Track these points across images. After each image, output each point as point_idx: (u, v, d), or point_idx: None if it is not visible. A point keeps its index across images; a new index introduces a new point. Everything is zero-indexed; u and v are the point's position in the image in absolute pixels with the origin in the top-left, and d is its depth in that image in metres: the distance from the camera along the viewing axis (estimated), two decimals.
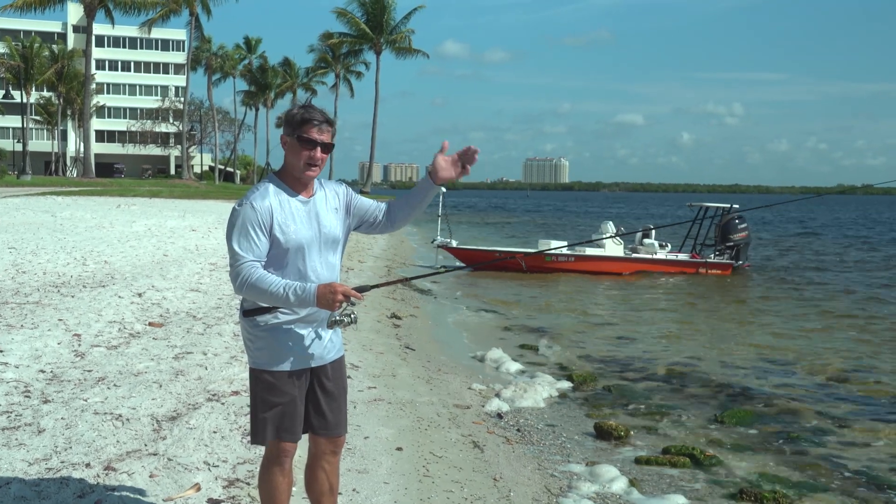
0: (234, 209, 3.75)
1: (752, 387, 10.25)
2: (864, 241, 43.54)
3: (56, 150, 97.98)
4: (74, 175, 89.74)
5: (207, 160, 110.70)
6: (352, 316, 3.71)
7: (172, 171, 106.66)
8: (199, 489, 5.07)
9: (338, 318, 3.69)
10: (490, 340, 12.82)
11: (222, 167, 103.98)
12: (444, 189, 25.68)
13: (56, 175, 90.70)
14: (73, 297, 11.65)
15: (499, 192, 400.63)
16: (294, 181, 3.81)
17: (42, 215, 27.04)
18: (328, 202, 3.90)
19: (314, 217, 3.82)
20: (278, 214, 3.71)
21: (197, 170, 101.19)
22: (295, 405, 3.86)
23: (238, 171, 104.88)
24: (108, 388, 7.12)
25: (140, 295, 12.15)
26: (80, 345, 8.73)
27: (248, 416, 4.21)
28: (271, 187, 3.78)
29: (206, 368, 8.08)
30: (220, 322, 10.59)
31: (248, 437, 4.15)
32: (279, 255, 3.73)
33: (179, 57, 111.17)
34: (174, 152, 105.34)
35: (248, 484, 5.25)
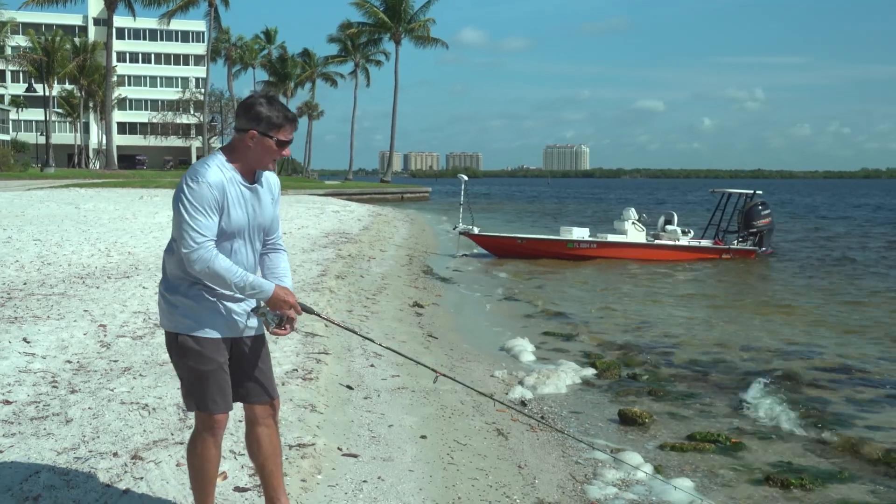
0: (186, 185, 3.72)
1: (774, 374, 10.16)
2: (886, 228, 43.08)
3: (79, 142, 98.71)
4: (97, 167, 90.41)
5: None
6: (282, 319, 3.94)
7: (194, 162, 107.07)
8: (225, 477, 5.09)
9: (268, 314, 3.92)
10: (513, 328, 12.81)
11: None
12: (465, 178, 25.71)
13: (79, 167, 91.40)
14: (98, 287, 11.74)
15: (519, 178, 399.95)
16: (245, 167, 3.86)
17: (66, 207, 27.26)
18: (267, 192, 3.99)
19: (254, 204, 3.90)
20: (227, 196, 3.77)
21: None
22: (223, 373, 3.91)
23: None
24: (135, 377, 7.17)
25: None
26: (105, 335, 8.80)
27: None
28: (223, 167, 3.81)
29: None
30: None
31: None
32: (219, 236, 3.79)
33: (199, 48, 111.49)
34: (195, 143, 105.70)
35: None
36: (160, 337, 8.89)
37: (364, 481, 5.49)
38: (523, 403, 8.37)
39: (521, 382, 9.20)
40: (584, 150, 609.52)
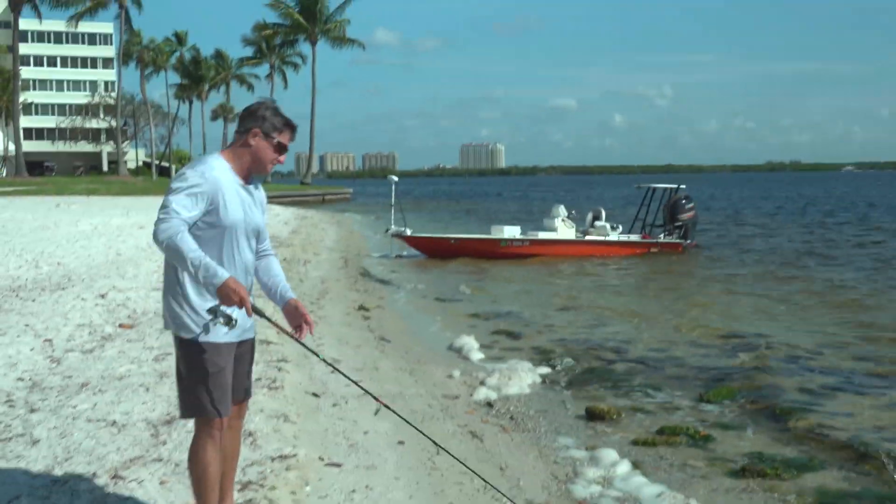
0: (185, 171, 3.87)
1: (727, 365, 10.38)
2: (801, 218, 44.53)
3: None
4: (4, 174, 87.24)
5: (141, 155, 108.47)
6: (231, 320, 3.85)
7: (105, 168, 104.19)
8: None
9: (220, 312, 3.83)
10: (461, 328, 12.77)
11: (156, 162, 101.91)
12: (395, 178, 25.59)
13: None
14: (33, 300, 11.29)
15: (436, 178, 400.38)
16: (241, 168, 4.01)
17: None
18: (257, 197, 4.12)
19: (247, 204, 4.02)
20: (224, 192, 3.88)
21: (131, 165, 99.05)
22: (227, 377, 4.00)
23: (173, 166, 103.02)
24: (94, 393, 6.91)
25: (103, 296, 11.83)
26: (53, 350, 8.46)
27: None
28: (223, 165, 3.95)
29: None
30: None
31: (184, 419, 4.19)
32: (216, 230, 3.89)
33: (107, 51, 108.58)
34: (106, 148, 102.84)
35: (262, 486, 5.12)
36: (110, 350, 8.60)
37: (353, 491, 5.40)
38: (490, 405, 8.34)
39: (482, 383, 9.17)
40: (499, 148, 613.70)
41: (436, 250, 24.60)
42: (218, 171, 3.89)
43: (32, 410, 6.38)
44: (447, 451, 5.10)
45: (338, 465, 5.85)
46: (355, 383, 5.05)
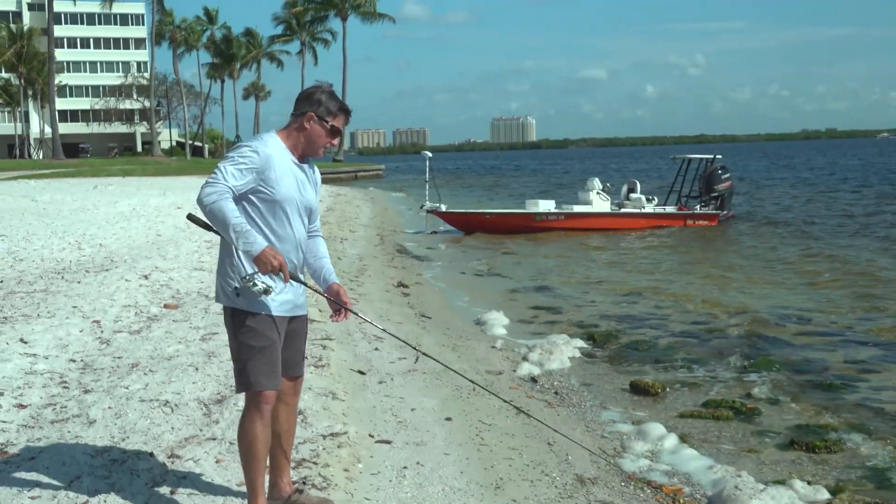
0: (238, 145, 4.01)
1: (770, 337, 10.31)
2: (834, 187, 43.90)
3: (19, 132, 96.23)
4: (41, 157, 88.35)
5: (174, 135, 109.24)
6: (268, 288, 3.90)
7: (139, 149, 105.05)
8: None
9: (256, 278, 3.88)
10: (500, 304, 12.78)
11: (190, 142, 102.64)
12: (430, 154, 25.59)
13: (22, 158, 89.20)
14: (79, 282, 11.46)
15: (467, 153, 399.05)
16: (295, 148, 4.08)
17: (22, 200, 26.59)
18: (311, 176, 4.19)
19: (301, 181, 4.09)
20: (277, 167, 3.95)
21: (165, 146, 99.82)
22: (277, 351, 4.04)
23: (206, 146, 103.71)
24: (145, 373, 7.01)
25: (146, 277, 11.98)
26: (102, 331, 8.59)
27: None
28: (278, 142, 4.03)
29: None
30: None
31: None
32: (268, 204, 3.97)
33: (140, 31, 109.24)
34: (140, 129, 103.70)
35: (315, 464, 5.19)
36: (157, 331, 8.72)
37: (404, 467, 5.45)
38: (534, 380, 8.36)
39: (525, 358, 9.19)
40: (530, 121, 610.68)
41: (471, 225, 24.60)
42: (272, 148, 3.97)
43: (86, 391, 6.50)
44: (480, 386, 5.12)
45: (388, 443, 5.91)
46: (391, 334, 5.06)
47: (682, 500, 5.43)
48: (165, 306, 10.04)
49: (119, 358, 7.56)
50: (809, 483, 5.56)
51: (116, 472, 4.87)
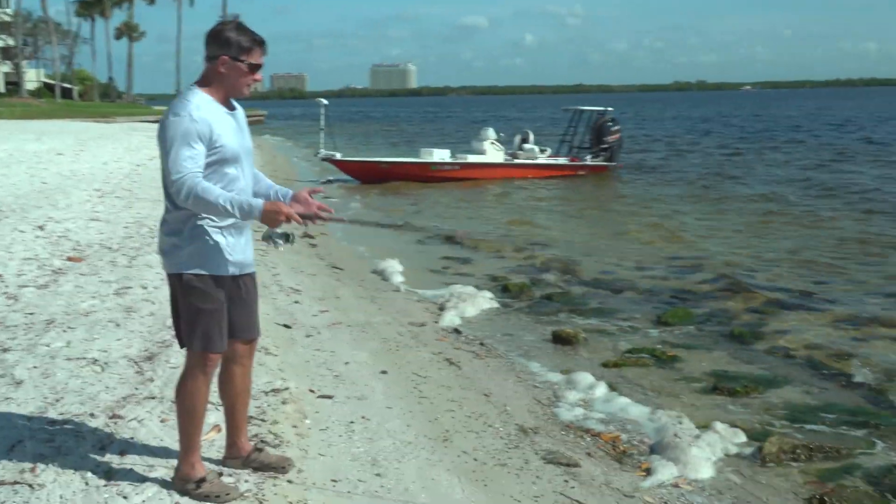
0: (170, 119, 3.76)
1: (677, 286, 10.69)
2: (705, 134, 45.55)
3: None
4: None
5: (41, 76, 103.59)
6: (290, 237, 3.91)
7: (2, 90, 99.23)
8: (220, 430, 4.90)
9: (275, 236, 3.87)
10: (408, 255, 12.77)
11: (58, 83, 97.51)
12: (325, 102, 25.17)
13: None
14: None
15: (346, 98, 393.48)
16: (222, 96, 3.90)
17: None
18: (239, 119, 4.03)
19: (238, 129, 3.95)
20: (215, 126, 3.79)
21: (31, 87, 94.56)
22: (223, 312, 3.98)
23: (76, 88, 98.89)
24: (64, 331, 6.74)
25: (41, 228, 11.45)
26: (6, 287, 8.19)
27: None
28: (205, 98, 3.83)
29: (154, 303, 7.72)
30: (140, 253, 10.12)
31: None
32: (221, 164, 3.82)
33: None
34: (3, 69, 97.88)
35: (263, 420, 5.13)
36: (66, 285, 8.37)
37: (351, 422, 5.45)
38: (457, 331, 8.43)
39: (443, 309, 9.25)
40: (410, 68, 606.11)
41: (367, 174, 24.41)
42: (204, 109, 3.77)
43: (5, 350, 6.20)
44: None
45: (329, 397, 5.89)
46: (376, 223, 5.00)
47: (621, 447, 5.61)
48: (69, 259, 9.63)
49: (31, 314, 7.23)
50: (739, 427, 5.83)
51: (60, 434, 4.68)
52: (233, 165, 3.88)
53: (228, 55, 3.82)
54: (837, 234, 14.44)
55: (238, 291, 4.07)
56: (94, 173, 18.84)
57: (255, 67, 3.90)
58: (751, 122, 63.08)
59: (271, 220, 3.75)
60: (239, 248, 3.98)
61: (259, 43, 3.89)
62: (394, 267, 11.40)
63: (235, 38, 3.83)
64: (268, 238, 3.91)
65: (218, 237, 3.88)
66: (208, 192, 3.67)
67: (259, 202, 3.73)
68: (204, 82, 3.89)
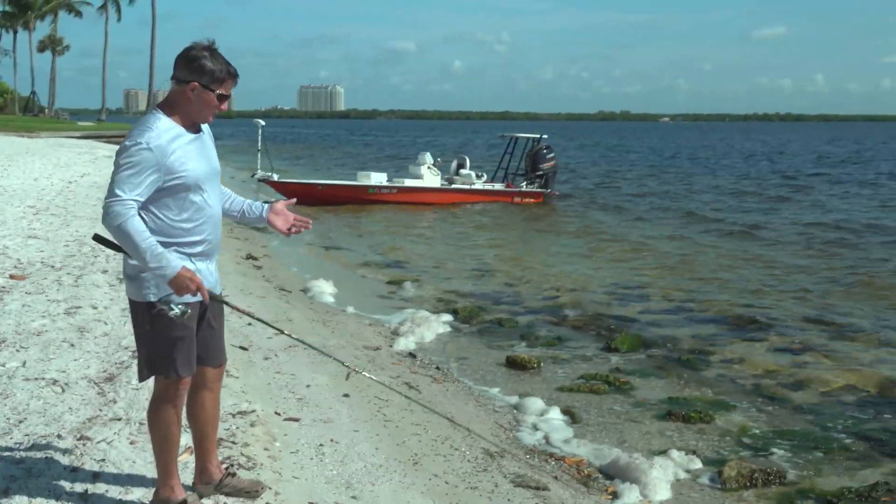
0: (126, 145, 3.66)
1: (623, 314, 10.91)
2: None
3: None
4: None
5: None
6: (185, 312, 3.77)
7: None
8: (192, 452, 4.86)
9: (173, 303, 3.74)
10: (354, 279, 12.80)
11: None
12: (262, 122, 25.03)
13: None
14: None
15: (273, 119, 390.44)
16: (186, 120, 3.80)
17: None
18: (209, 138, 3.99)
19: (204, 152, 3.88)
20: (177, 153, 3.70)
21: None
22: (192, 339, 3.94)
23: None
24: (17, 350, 6.58)
25: None
26: None
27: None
28: (167, 124, 3.73)
29: (107, 324, 7.59)
30: (85, 272, 9.89)
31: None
32: (179, 191, 3.74)
33: None
34: None
35: (234, 443, 5.11)
36: (12, 304, 8.15)
37: (321, 445, 5.45)
38: (412, 355, 8.48)
39: (397, 333, 9.29)
40: (338, 90, 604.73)
41: (303, 196, 24.24)
42: (163, 135, 3.68)
43: None
44: (423, 406, 5.20)
45: (296, 420, 5.87)
46: (325, 353, 5.04)
47: (585, 471, 5.72)
48: (12, 277, 9.39)
49: None
50: (694, 453, 6.01)
51: (30, 456, 4.59)
52: (198, 193, 3.81)
53: (199, 82, 3.74)
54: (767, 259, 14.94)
55: (206, 317, 4.04)
56: (26, 189, 18.35)
57: (223, 98, 3.83)
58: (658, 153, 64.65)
59: (180, 288, 3.67)
60: (208, 274, 3.94)
61: (232, 75, 3.83)
62: (322, 287, 11.44)
63: (210, 66, 3.75)
64: (165, 302, 3.74)
65: (188, 264, 3.79)
66: (135, 230, 3.60)
67: (178, 265, 3.65)
68: (168, 105, 3.81)
